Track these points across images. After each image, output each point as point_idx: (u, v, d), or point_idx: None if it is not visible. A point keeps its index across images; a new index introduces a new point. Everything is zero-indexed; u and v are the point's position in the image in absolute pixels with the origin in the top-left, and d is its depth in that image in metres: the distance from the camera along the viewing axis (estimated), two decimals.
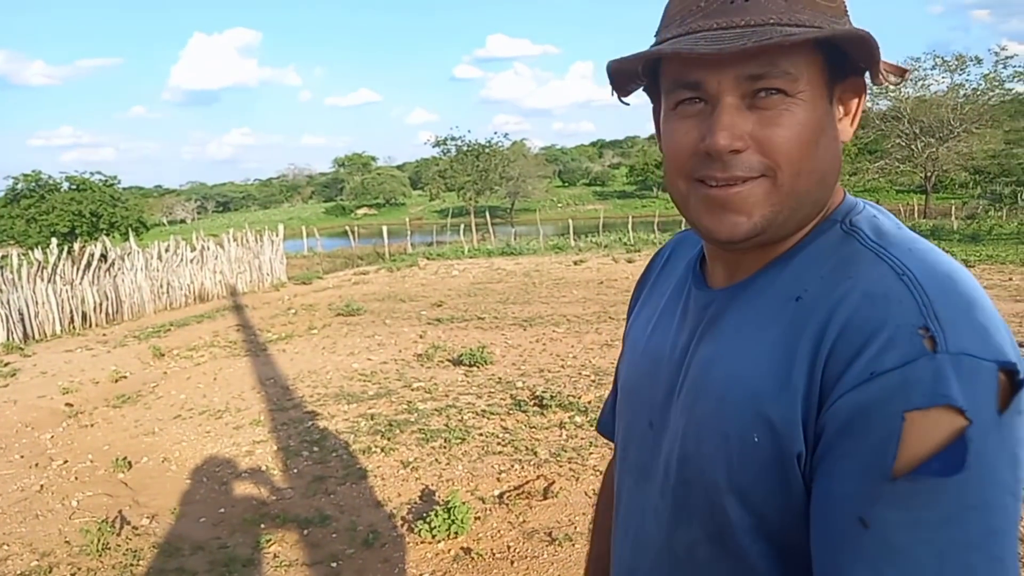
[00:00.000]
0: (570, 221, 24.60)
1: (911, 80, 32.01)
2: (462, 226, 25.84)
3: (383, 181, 67.73)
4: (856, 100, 0.72)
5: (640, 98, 0.79)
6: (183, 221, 65.22)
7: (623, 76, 0.74)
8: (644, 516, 0.82)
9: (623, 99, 0.77)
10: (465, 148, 40.24)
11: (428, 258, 19.91)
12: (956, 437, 0.55)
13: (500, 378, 6.27)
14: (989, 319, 0.60)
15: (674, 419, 0.77)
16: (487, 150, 39.83)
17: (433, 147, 42.18)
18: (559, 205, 55.09)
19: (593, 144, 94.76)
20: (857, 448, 0.59)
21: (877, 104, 33.47)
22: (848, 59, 0.67)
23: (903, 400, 0.57)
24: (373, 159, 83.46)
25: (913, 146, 31.99)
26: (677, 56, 0.66)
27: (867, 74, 0.69)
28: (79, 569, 3.49)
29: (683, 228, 0.88)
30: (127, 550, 3.65)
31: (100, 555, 3.60)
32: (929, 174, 32.74)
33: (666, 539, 0.78)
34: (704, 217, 0.70)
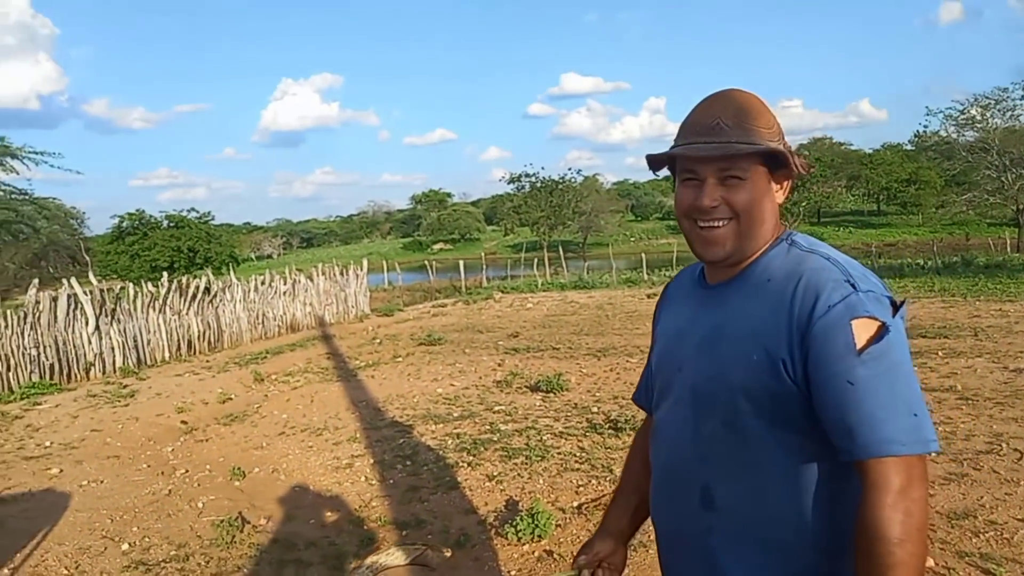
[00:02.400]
0: (643, 255, 24.83)
1: (999, 110, 31.00)
2: (535, 260, 26.39)
3: (458, 217, 69.36)
4: (786, 181, 1.28)
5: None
6: (270, 256, 68.36)
7: (656, 162, 1.31)
8: (676, 425, 1.31)
9: (656, 173, 1.35)
10: (539, 184, 40.98)
11: (503, 291, 20.45)
12: (880, 329, 1.10)
13: (576, 403, 6.61)
14: (873, 276, 1.17)
15: (697, 360, 1.28)
16: (560, 186, 40.47)
17: (507, 184, 43.19)
18: (632, 239, 55.12)
19: (667, 179, 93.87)
20: (835, 345, 1.10)
21: (963, 135, 32.46)
22: (777, 159, 1.22)
23: (849, 315, 1.10)
24: (449, 195, 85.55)
25: (1004, 178, 30.76)
26: (684, 156, 1.24)
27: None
28: (212, 558, 4.02)
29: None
30: (250, 544, 4.16)
31: (228, 547, 4.13)
32: (1021, 207, 31.31)
33: (692, 433, 1.27)
34: (698, 246, 1.27)
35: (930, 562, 3.21)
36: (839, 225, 58.34)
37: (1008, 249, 28.75)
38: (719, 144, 1.18)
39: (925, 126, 44.72)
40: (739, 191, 1.20)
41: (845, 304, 1.10)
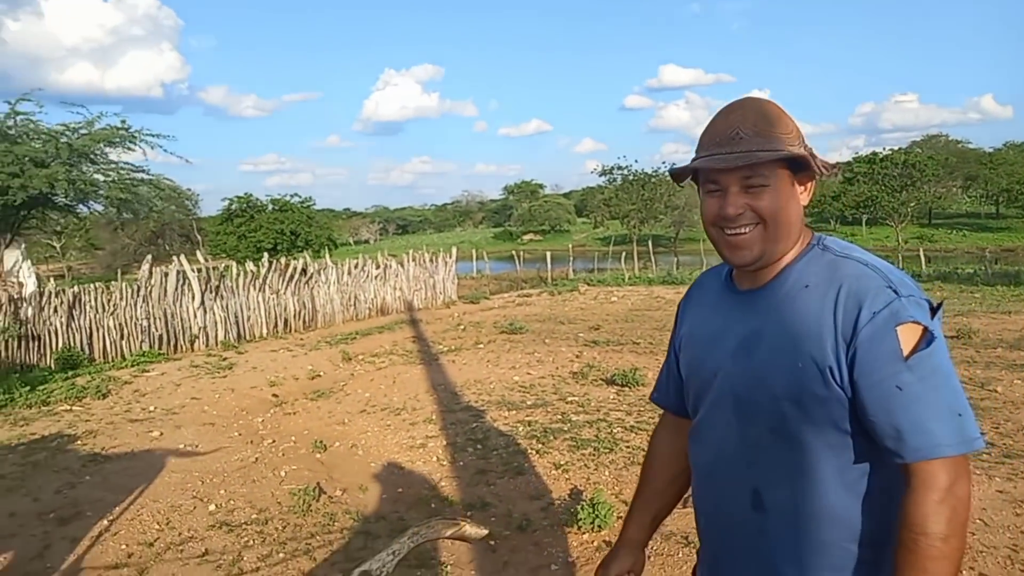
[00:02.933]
0: None
1: None
2: (623, 254, 26.10)
3: (549, 208, 69.35)
4: (809, 184, 1.27)
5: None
6: (367, 241, 70.58)
7: (678, 175, 1.33)
8: (719, 430, 1.33)
9: (680, 184, 1.38)
10: (631, 177, 40.42)
11: (588, 284, 20.38)
12: (923, 333, 1.13)
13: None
14: (909, 279, 1.19)
15: (735, 366, 1.29)
16: (653, 179, 39.75)
17: (599, 176, 42.80)
18: None
19: None
20: (881, 352, 1.12)
21: None
22: (799, 163, 1.23)
23: (893, 321, 1.13)
24: (541, 187, 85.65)
25: None
26: (706, 168, 1.25)
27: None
28: (288, 524, 4.26)
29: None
30: (325, 513, 4.38)
31: (304, 514, 4.37)
32: None
33: (738, 438, 1.29)
34: (727, 251, 1.27)
35: None
36: (952, 227, 54.67)
37: None
38: (740, 153, 1.20)
39: None
40: (763, 197, 1.22)
41: (889, 310, 1.13)
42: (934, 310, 1.15)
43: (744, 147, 1.21)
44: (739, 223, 1.23)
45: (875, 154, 50.95)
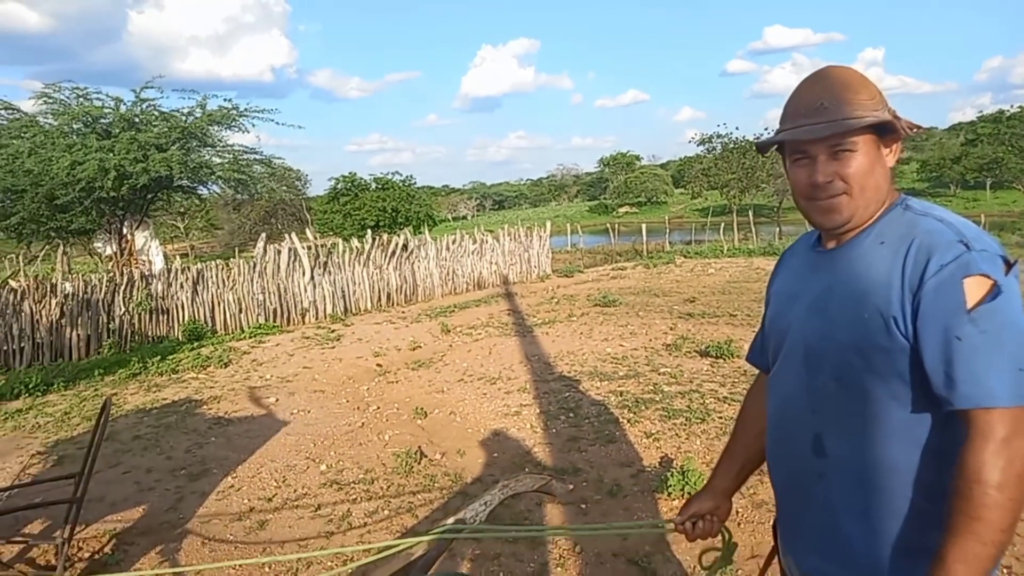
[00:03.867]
0: None
1: None
2: (722, 225, 25.40)
3: (645, 180, 68.10)
4: (895, 145, 1.32)
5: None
6: (464, 217, 71.67)
7: (763, 146, 1.39)
8: (789, 380, 1.40)
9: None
10: (731, 145, 39.07)
11: (685, 256, 20.01)
12: (991, 287, 1.14)
13: (745, 370, 6.47)
14: (988, 236, 1.21)
15: (808, 319, 1.36)
16: (754, 147, 38.28)
17: (698, 145, 41.64)
18: None
19: None
20: (946, 303, 1.16)
21: None
22: (885, 127, 1.27)
23: (961, 273, 1.15)
24: (637, 158, 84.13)
25: None
26: (794, 140, 1.31)
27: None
28: (392, 484, 4.55)
29: (807, 229, 1.47)
30: (425, 475, 4.64)
31: (407, 475, 4.65)
32: None
33: (805, 387, 1.36)
34: (818, 216, 1.34)
35: None
36: None
37: None
38: (827, 123, 1.26)
39: None
40: (850, 163, 1.27)
41: (957, 263, 1.16)
42: (1009, 266, 1.17)
43: (829, 116, 1.26)
44: (830, 191, 1.29)
45: (1002, 112, 47.04)
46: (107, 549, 3.79)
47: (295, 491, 4.50)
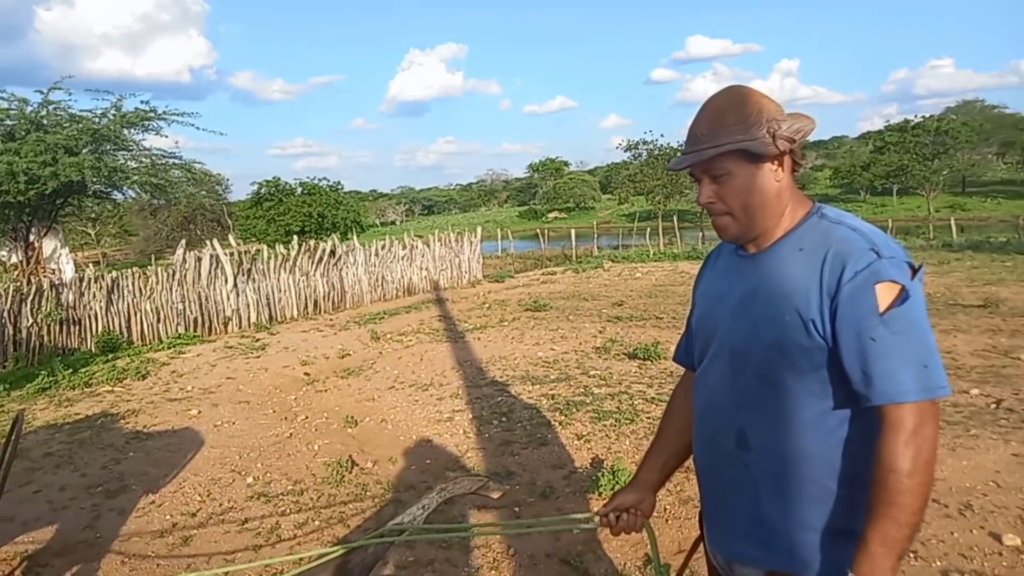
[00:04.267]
0: None
1: None
2: (648, 230, 26.02)
3: (574, 186, 69.06)
4: (784, 159, 1.38)
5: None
6: (393, 223, 70.99)
7: (672, 168, 1.50)
8: (715, 378, 1.48)
9: (671, 171, 1.55)
10: (657, 152, 40.06)
11: (613, 260, 20.39)
12: (900, 291, 1.25)
13: (672, 371, 6.65)
14: (895, 243, 1.31)
15: (733, 320, 1.44)
16: (679, 153, 39.36)
17: (624, 151, 42.48)
18: None
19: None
20: (860, 306, 1.25)
21: None
22: (755, 149, 1.35)
23: (873, 279, 1.25)
24: (566, 164, 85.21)
25: None
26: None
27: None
28: (323, 494, 4.47)
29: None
30: (357, 483, 4.58)
31: (337, 485, 4.57)
32: None
33: (730, 384, 1.44)
34: (717, 232, 1.46)
35: (1016, 540, 3.12)
36: (986, 195, 53.37)
37: None
38: (692, 153, 1.40)
39: None
40: (725, 186, 1.40)
41: (870, 270, 1.26)
42: (915, 271, 1.27)
43: (700, 145, 1.39)
44: (714, 210, 1.43)
45: (907, 122, 49.82)
46: (18, 573, 3.58)
47: (220, 505, 4.36)
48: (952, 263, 14.47)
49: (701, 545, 1.66)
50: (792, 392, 1.33)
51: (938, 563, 3.05)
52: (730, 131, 1.36)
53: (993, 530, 3.27)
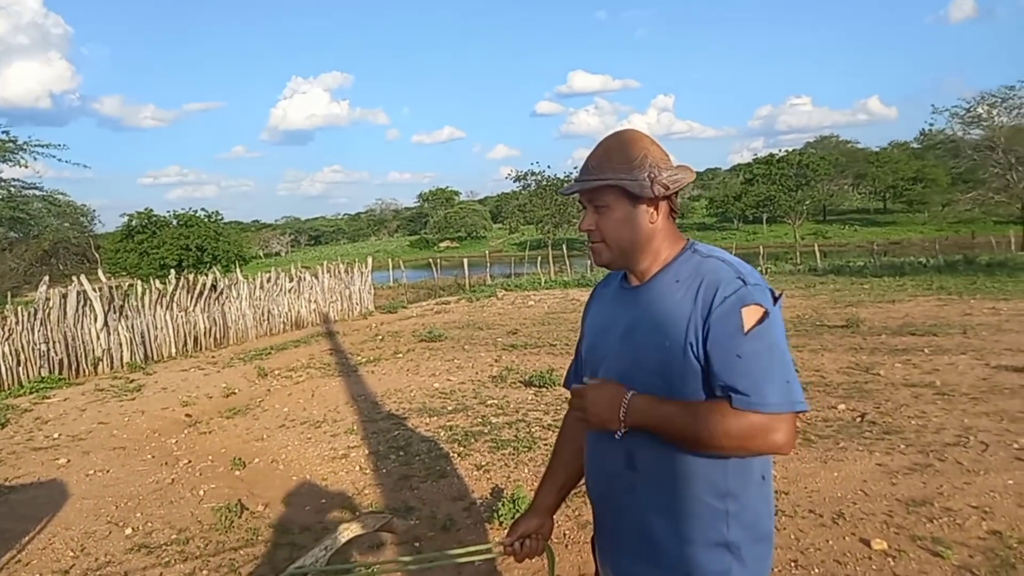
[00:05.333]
0: None
1: (1006, 108, 30.95)
2: (539, 258, 26.56)
3: (465, 215, 69.58)
4: (661, 202, 1.51)
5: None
6: (278, 254, 68.74)
7: (563, 193, 1.65)
8: None
9: (562, 195, 1.70)
10: (544, 183, 41.12)
11: (506, 289, 20.65)
12: (763, 314, 1.38)
13: (566, 398, 6.78)
14: (757, 273, 1.44)
15: (619, 349, 1.54)
16: (565, 184, 40.56)
17: (514, 182, 43.34)
18: None
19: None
20: (728, 327, 1.37)
21: (969, 133, 32.41)
22: (633, 191, 1.48)
23: (739, 303, 1.38)
24: (456, 194, 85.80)
25: (1009, 176, 30.72)
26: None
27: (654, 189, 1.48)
28: (210, 542, 4.23)
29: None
30: (248, 528, 4.37)
31: (227, 531, 4.34)
32: None
33: None
34: (592, 256, 1.59)
35: (883, 544, 3.40)
36: (844, 223, 58.24)
37: (1013, 247, 28.74)
38: (580, 182, 1.53)
39: (931, 124, 44.70)
40: (604, 217, 1.53)
41: (737, 295, 1.39)
42: (775, 298, 1.42)
43: (587, 176, 1.52)
44: (592, 237, 1.55)
45: (772, 155, 53.69)
46: None
47: (96, 560, 4.04)
48: (817, 286, 15.64)
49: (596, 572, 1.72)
50: None
51: (816, 570, 3.27)
52: (614, 168, 1.48)
53: (863, 536, 3.54)
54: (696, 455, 1.42)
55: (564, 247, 30.83)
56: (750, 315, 1.38)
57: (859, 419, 5.47)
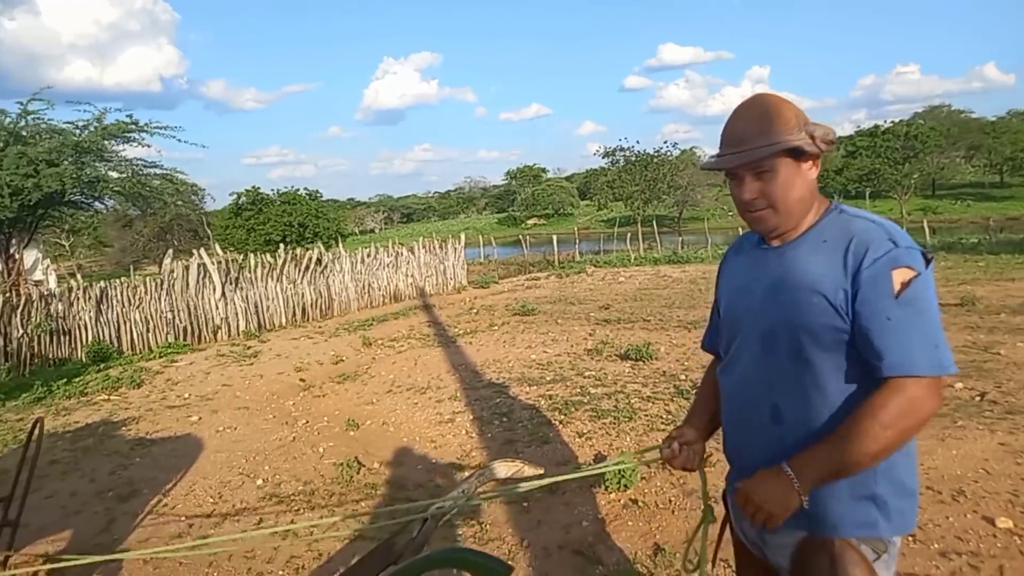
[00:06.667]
0: (740, 229, 24.21)
1: None
2: (628, 235, 26.33)
3: (552, 192, 69.46)
4: (815, 160, 1.56)
5: None
6: (372, 231, 70.74)
7: (704, 168, 1.72)
8: (745, 360, 1.64)
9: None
10: (633, 158, 40.51)
11: (595, 265, 20.63)
12: (914, 277, 1.41)
13: (664, 371, 6.84)
14: (907, 236, 1.48)
15: (763, 306, 1.59)
16: (655, 159, 39.84)
17: (602, 158, 42.90)
18: (730, 214, 53.69)
19: None
20: (878, 289, 1.42)
21: None
22: (798, 148, 1.51)
23: (890, 265, 1.42)
24: (543, 171, 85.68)
25: None
26: (720, 168, 1.59)
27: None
28: (334, 494, 4.57)
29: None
30: (366, 483, 4.69)
31: (347, 485, 4.67)
32: None
33: (762, 366, 1.59)
34: (753, 225, 1.62)
35: (1009, 523, 3.32)
36: (956, 198, 54.63)
37: None
38: (744, 152, 1.54)
39: None
40: (770, 183, 1.54)
41: (888, 257, 1.42)
42: (927, 260, 1.45)
43: (745, 146, 1.53)
44: (755, 206, 1.56)
45: (877, 127, 50.92)
46: (42, 573, 3.65)
47: (233, 506, 4.45)
48: None
49: (728, 525, 1.79)
50: (822, 368, 1.49)
51: (936, 545, 3.24)
52: (778, 131, 1.51)
53: (986, 514, 3.46)
54: (842, 406, 1.47)
55: (654, 223, 30.42)
56: (901, 277, 1.41)
57: (978, 398, 5.27)
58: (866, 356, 1.44)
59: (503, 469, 2.16)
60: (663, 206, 45.89)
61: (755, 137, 1.52)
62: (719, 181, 61.25)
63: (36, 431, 3.46)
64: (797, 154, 1.52)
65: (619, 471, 4.15)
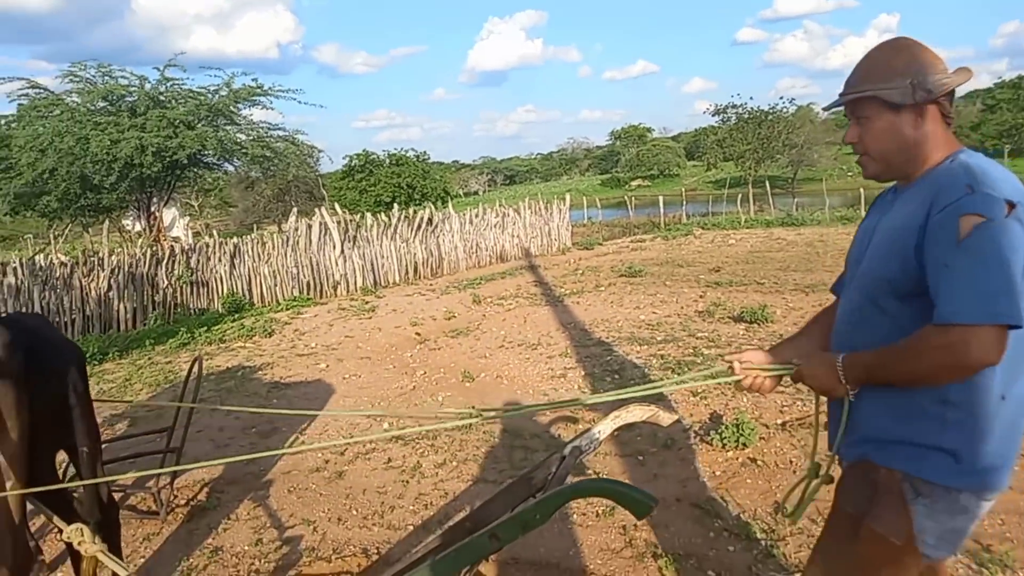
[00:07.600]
0: (861, 191, 22.86)
1: None
2: (739, 196, 25.44)
3: (658, 152, 67.84)
4: (928, 108, 1.51)
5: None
6: (476, 193, 71.59)
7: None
8: (844, 302, 1.71)
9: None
10: (746, 116, 38.85)
11: (703, 227, 20.13)
12: (981, 223, 1.35)
13: (781, 334, 6.68)
14: (1002, 183, 1.41)
15: (861, 251, 1.65)
16: (770, 117, 38.05)
17: (712, 116, 41.41)
18: (849, 174, 50.67)
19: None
20: (943, 236, 1.39)
21: None
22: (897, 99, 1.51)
23: (957, 212, 1.38)
24: (648, 130, 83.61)
25: None
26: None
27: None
28: (454, 439, 4.81)
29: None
30: (484, 431, 4.90)
31: (467, 432, 4.90)
32: None
33: (851, 308, 1.66)
34: (862, 170, 1.63)
35: None
36: None
37: None
38: (843, 96, 1.58)
39: None
40: (865, 129, 1.57)
41: (956, 203, 1.39)
42: (1012, 207, 1.37)
43: (851, 90, 1.56)
44: (856, 150, 1.61)
45: (1021, 78, 46.43)
46: (201, 496, 4.08)
47: (364, 446, 4.77)
48: None
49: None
50: (897, 315, 1.51)
51: None
52: (872, 79, 1.52)
53: None
54: None
55: (766, 184, 29.16)
56: (967, 224, 1.36)
57: None
58: (934, 303, 1.42)
59: (638, 413, 2.24)
60: (776, 166, 43.93)
61: (857, 82, 1.55)
62: (838, 139, 57.92)
63: (196, 368, 3.85)
64: (891, 104, 1.50)
65: (738, 430, 4.16)
